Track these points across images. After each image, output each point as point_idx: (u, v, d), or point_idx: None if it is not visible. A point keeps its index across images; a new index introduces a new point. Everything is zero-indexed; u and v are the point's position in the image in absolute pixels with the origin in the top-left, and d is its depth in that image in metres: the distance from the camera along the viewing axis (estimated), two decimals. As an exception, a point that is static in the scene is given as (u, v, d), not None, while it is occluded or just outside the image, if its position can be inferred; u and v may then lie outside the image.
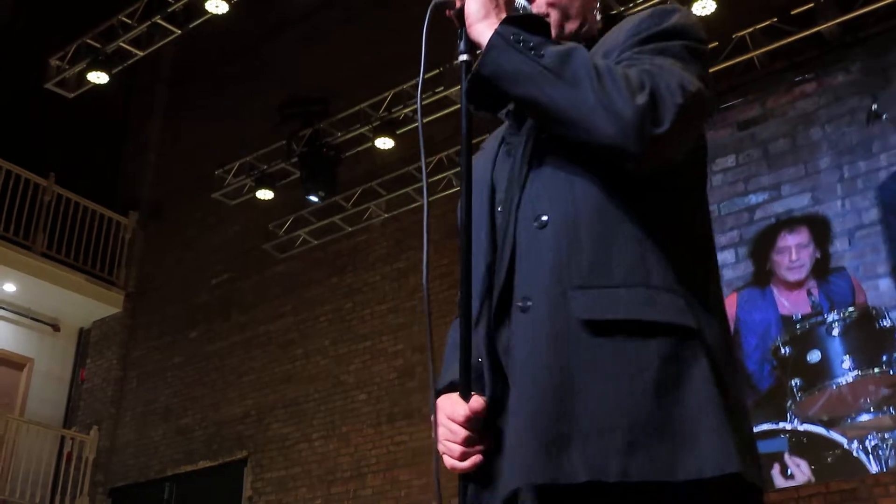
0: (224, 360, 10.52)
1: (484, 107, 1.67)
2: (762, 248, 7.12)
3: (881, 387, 6.35)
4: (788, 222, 7.07)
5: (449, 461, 1.54)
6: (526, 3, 1.73)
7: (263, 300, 10.41)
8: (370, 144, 9.00)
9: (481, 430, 1.53)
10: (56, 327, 11.62)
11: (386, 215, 9.57)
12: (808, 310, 6.78)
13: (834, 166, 6.98)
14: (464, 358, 1.52)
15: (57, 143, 11.71)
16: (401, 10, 8.90)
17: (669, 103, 1.46)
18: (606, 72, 1.48)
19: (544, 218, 1.56)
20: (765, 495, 1.48)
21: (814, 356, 6.66)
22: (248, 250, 10.60)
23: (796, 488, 6.45)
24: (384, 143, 8.86)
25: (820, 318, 6.71)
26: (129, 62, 9.16)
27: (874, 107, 6.90)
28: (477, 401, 1.51)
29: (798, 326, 6.78)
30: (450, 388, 1.62)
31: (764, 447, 6.59)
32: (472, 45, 1.60)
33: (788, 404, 6.64)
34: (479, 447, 1.53)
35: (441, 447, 1.57)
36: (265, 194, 9.66)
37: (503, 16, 1.58)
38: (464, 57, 1.61)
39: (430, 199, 8.95)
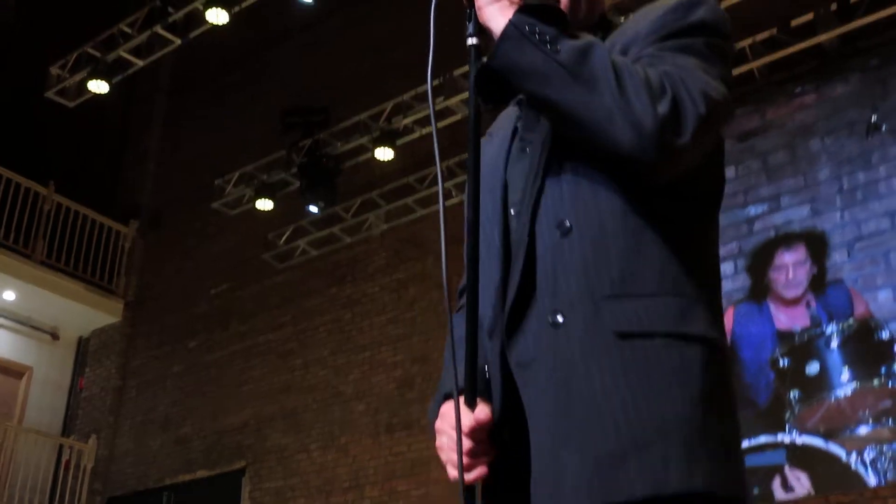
0: (223, 369, 10.51)
1: (493, 99, 1.58)
2: (759, 263, 7.12)
3: (880, 399, 6.34)
4: (786, 238, 7.06)
5: (451, 472, 1.46)
6: None
7: (263, 310, 10.40)
8: (370, 155, 9.00)
9: (487, 441, 1.46)
10: (55, 336, 11.61)
11: (385, 226, 9.57)
12: (806, 323, 6.77)
13: (833, 178, 6.98)
14: (469, 364, 1.43)
15: (57, 152, 11.71)
16: (401, 21, 8.92)
17: (692, 113, 1.39)
18: (626, 73, 1.39)
19: (567, 223, 1.48)
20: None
21: (812, 368, 6.65)
22: (247, 260, 10.60)
23: (796, 501, 6.43)
24: (384, 153, 8.86)
25: (819, 331, 6.70)
26: (130, 71, 9.18)
27: (874, 118, 6.91)
28: (483, 410, 1.44)
29: (797, 338, 6.78)
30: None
31: (763, 459, 6.58)
32: (481, 28, 1.50)
33: (787, 416, 6.63)
34: (484, 458, 1.46)
35: (443, 456, 1.52)
36: (265, 204, 9.66)
37: None
38: (472, 40, 1.50)
39: (428, 210, 9.00)
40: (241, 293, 10.70)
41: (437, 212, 8.24)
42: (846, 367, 6.53)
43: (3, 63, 11.18)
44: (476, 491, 1.49)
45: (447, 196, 8.77)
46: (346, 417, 9.18)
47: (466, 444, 1.44)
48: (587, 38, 1.45)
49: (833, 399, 6.51)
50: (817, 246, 6.89)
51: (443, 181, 1.48)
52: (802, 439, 6.53)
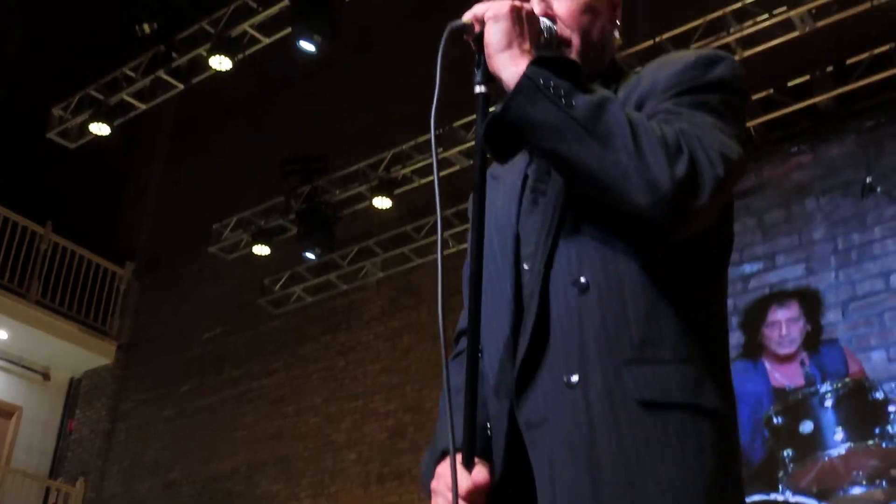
0: (215, 414, 10.45)
1: (502, 152, 1.51)
2: (753, 321, 7.12)
3: (874, 459, 6.31)
4: (779, 296, 7.07)
5: None
6: (551, 24, 1.59)
7: (257, 355, 10.37)
8: (368, 203, 9.04)
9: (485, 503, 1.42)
10: (46, 376, 11.55)
11: (381, 274, 9.58)
12: (800, 381, 6.76)
13: (828, 237, 7.01)
14: (468, 421, 1.37)
15: (56, 192, 11.75)
16: (402, 73, 9.01)
17: (709, 175, 1.36)
18: (642, 129, 1.36)
19: (583, 280, 1.45)
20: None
21: (806, 427, 6.63)
22: (242, 305, 10.59)
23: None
24: (382, 202, 8.91)
25: (813, 389, 6.69)
26: (132, 115, 9.25)
27: (868, 179, 6.96)
28: (481, 473, 1.40)
29: (790, 397, 6.76)
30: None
31: (755, 518, 6.54)
32: (489, 76, 1.46)
33: (780, 475, 6.59)
34: None
35: None
36: (262, 250, 9.68)
37: (526, 46, 1.46)
38: (481, 88, 1.47)
39: (424, 259, 9.01)
40: (236, 338, 10.68)
41: (434, 261, 8.24)
42: (840, 426, 6.51)
43: (5, 103, 11.25)
44: None
45: (444, 246, 8.77)
46: (337, 466, 9.11)
47: None
48: (601, 92, 1.42)
49: (827, 458, 6.48)
50: (811, 303, 6.90)
51: (442, 229, 1.44)
52: (796, 499, 6.49)
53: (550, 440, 1.42)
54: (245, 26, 8.33)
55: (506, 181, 1.67)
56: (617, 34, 1.72)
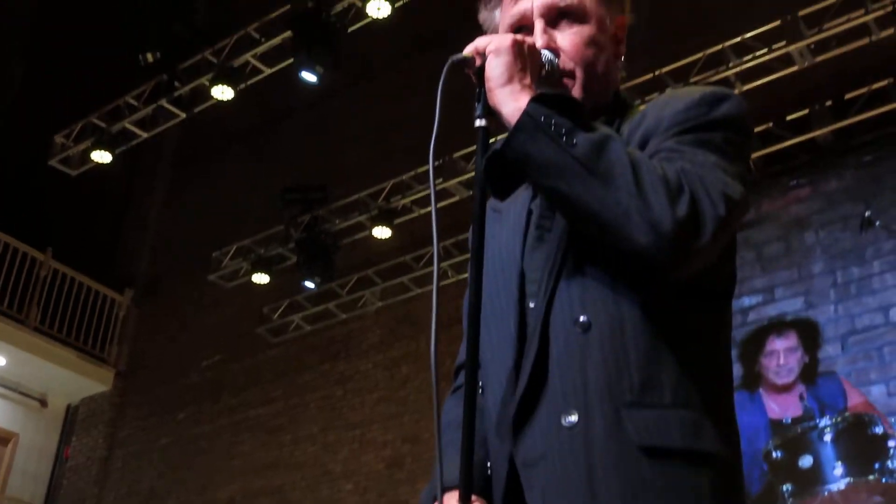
0: (212, 442, 10.40)
1: (501, 188, 1.50)
2: (751, 351, 7.12)
3: (873, 494, 6.28)
4: (777, 326, 7.07)
5: None
6: (552, 57, 1.58)
7: (254, 384, 10.35)
8: (368, 233, 9.06)
9: None
10: (44, 403, 11.50)
11: (380, 303, 9.58)
12: (798, 412, 6.75)
13: (827, 271, 7.02)
14: (465, 458, 1.35)
15: (57, 219, 11.77)
16: (403, 104, 9.05)
17: (711, 215, 1.35)
18: (644, 169, 1.35)
19: (583, 319, 1.44)
20: None
21: (805, 461, 6.60)
22: (241, 333, 10.57)
23: None
24: (382, 232, 8.93)
25: (812, 423, 6.67)
26: (133, 143, 9.29)
27: (867, 213, 6.98)
28: None
29: (789, 431, 6.74)
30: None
31: (754, 553, 6.50)
32: (489, 110, 1.45)
33: (779, 510, 6.56)
34: None
35: None
36: (261, 278, 9.68)
37: (527, 81, 1.45)
38: (481, 122, 1.45)
39: (423, 289, 9.01)
40: (234, 366, 10.65)
41: (433, 291, 8.29)
42: (840, 461, 6.49)
43: (8, 129, 11.30)
44: None
45: (443, 276, 8.80)
46: (333, 496, 9.06)
47: None
48: (603, 130, 1.41)
49: (826, 493, 6.44)
50: (809, 334, 6.90)
51: (439, 260, 1.43)
52: (794, 534, 6.45)
53: (546, 478, 1.41)
54: (247, 56, 8.38)
55: (508, 216, 1.66)
56: (620, 68, 1.72)
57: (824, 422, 6.62)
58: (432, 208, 1.47)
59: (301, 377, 9.96)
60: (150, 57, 8.46)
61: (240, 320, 10.61)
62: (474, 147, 1.47)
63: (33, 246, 11.11)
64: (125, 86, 9.12)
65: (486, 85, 1.46)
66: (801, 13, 6.79)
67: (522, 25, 1.64)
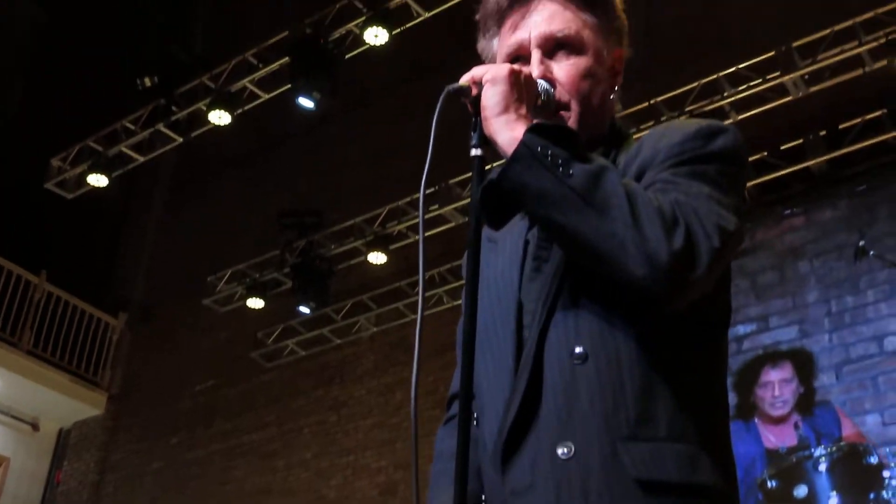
0: (204, 467, 10.35)
1: (497, 218, 1.50)
2: (746, 381, 7.11)
3: (868, 525, 6.26)
4: (772, 356, 7.07)
5: None
6: (549, 87, 1.58)
7: (248, 409, 10.31)
8: (363, 258, 9.06)
9: None
10: (36, 426, 11.44)
11: (375, 329, 9.57)
12: (794, 442, 6.73)
13: (822, 300, 7.03)
14: (458, 492, 1.32)
15: (52, 242, 11.76)
16: (399, 130, 9.09)
17: (705, 247, 1.35)
18: (639, 200, 1.36)
19: (579, 350, 1.44)
20: None
21: (800, 491, 6.58)
22: (235, 358, 10.55)
23: None
24: (377, 257, 8.93)
25: (807, 453, 6.66)
26: (130, 167, 9.31)
27: (861, 243, 7.00)
28: None
29: (784, 460, 6.72)
30: None
31: (748, 583, 6.46)
32: (485, 139, 1.45)
33: (774, 539, 6.53)
34: None
35: None
36: (256, 303, 9.67)
37: (523, 111, 1.45)
38: (476, 151, 1.45)
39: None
40: (227, 391, 10.62)
41: (428, 317, 8.26)
42: (834, 491, 6.47)
43: (5, 152, 11.31)
44: None
45: (438, 302, 8.80)
46: (326, 523, 9.01)
47: None
48: (599, 161, 1.41)
49: (820, 524, 6.42)
50: (804, 365, 6.90)
51: (425, 289, 1.42)
52: (789, 564, 6.43)
53: None
54: (245, 82, 8.42)
55: (505, 245, 1.65)
56: (616, 100, 1.72)
57: (819, 451, 6.61)
58: (420, 237, 1.50)
59: (295, 402, 9.93)
60: (147, 81, 8.52)
61: (234, 345, 10.59)
62: (470, 174, 1.47)
63: (28, 269, 11.09)
64: (122, 109, 9.14)
65: (482, 114, 1.46)
66: (796, 44, 6.84)
67: (520, 55, 1.64)
